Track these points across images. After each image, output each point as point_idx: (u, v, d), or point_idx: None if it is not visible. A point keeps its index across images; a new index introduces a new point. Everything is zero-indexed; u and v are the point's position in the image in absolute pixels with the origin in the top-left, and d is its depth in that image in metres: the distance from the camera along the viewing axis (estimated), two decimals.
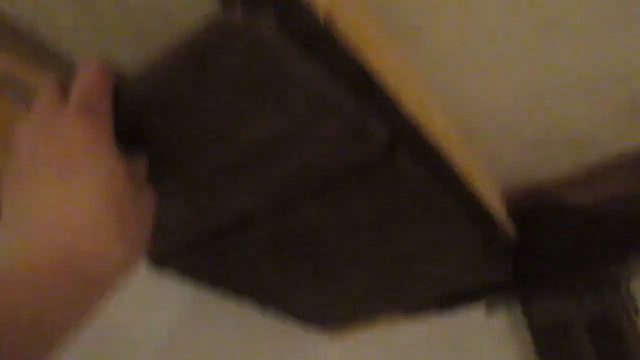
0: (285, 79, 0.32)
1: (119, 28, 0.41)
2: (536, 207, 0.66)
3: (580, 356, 0.59)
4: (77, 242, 0.29)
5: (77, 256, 0.28)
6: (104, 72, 0.33)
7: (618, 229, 0.61)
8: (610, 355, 0.59)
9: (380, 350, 0.73)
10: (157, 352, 0.52)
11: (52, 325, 0.27)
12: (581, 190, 0.64)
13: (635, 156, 0.61)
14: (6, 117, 0.40)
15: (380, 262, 0.57)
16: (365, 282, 0.62)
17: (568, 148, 0.62)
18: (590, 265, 0.62)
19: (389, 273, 0.60)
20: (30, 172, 0.30)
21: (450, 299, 0.69)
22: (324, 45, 0.32)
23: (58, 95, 0.33)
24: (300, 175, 0.41)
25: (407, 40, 0.47)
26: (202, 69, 0.31)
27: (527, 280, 0.64)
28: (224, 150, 0.38)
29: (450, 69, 0.51)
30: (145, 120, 0.35)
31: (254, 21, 0.29)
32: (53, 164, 0.30)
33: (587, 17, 0.46)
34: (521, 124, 0.58)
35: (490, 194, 0.61)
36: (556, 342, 0.60)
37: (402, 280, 0.62)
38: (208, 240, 0.49)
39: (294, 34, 0.31)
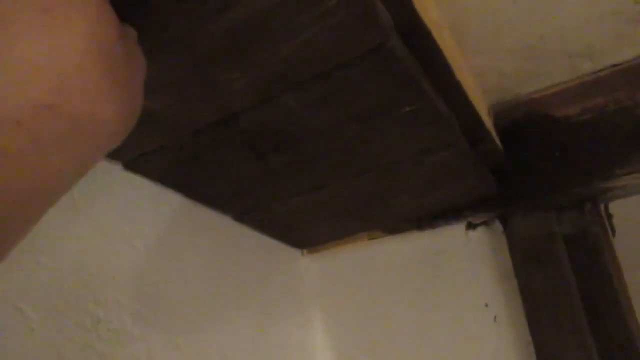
0: None
1: None
2: (524, 121, 0.64)
3: (557, 269, 0.59)
4: (64, 98, 0.25)
5: (64, 114, 0.25)
6: None
7: (605, 143, 0.60)
8: (585, 268, 0.59)
9: (359, 266, 0.73)
10: (132, 257, 0.50)
11: (34, 188, 0.25)
12: (571, 103, 0.62)
13: (629, 67, 0.59)
14: None
15: (360, 170, 0.55)
16: (345, 195, 0.59)
17: (562, 59, 0.59)
18: (574, 181, 0.61)
19: (369, 183, 0.57)
20: (9, 14, 0.26)
21: (430, 217, 0.68)
22: None
23: None
24: (297, 61, 0.38)
25: None
26: None
27: (509, 196, 0.63)
28: (219, 26, 0.34)
29: None
30: None
31: None
32: (36, 4, 0.26)
33: None
34: (516, 26, 0.55)
35: (479, 104, 0.59)
36: (534, 255, 0.60)
37: (382, 193, 0.60)
38: (185, 142, 0.46)
39: None
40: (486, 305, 0.63)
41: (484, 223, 0.66)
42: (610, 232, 0.66)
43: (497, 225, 0.65)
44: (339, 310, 0.72)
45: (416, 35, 0.40)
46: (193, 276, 0.56)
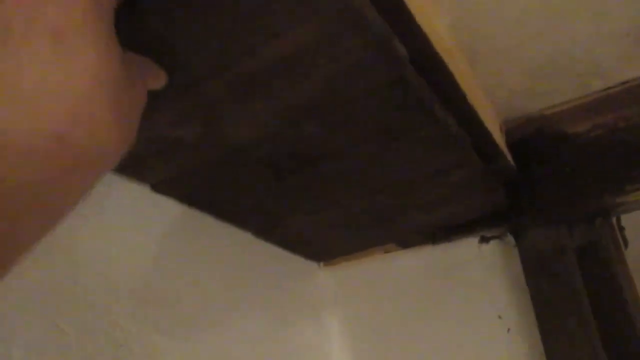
0: None
1: None
2: (535, 137, 0.65)
3: (568, 281, 0.61)
4: (72, 119, 0.27)
5: (71, 136, 0.27)
6: None
7: (615, 159, 0.61)
8: (596, 280, 0.61)
9: (374, 278, 0.74)
10: (158, 273, 0.52)
11: (40, 211, 0.26)
12: (581, 120, 0.63)
13: (638, 85, 0.60)
14: None
15: (376, 188, 0.57)
16: (361, 210, 0.62)
17: (571, 77, 0.61)
18: (585, 195, 0.62)
19: (385, 200, 0.59)
20: (21, 35, 0.27)
21: (443, 231, 0.69)
22: None
23: None
24: (317, 94, 0.40)
25: None
26: None
27: (521, 210, 0.65)
28: (244, 65, 0.36)
29: None
30: (157, 23, 0.33)
31: None
32: (46, 31, 0.27)
33: None
34: (526, 47, 0.57)
35: (491, 122, 0.61)
36: (546, 267, 0.61)
37: (397, 209, 0.62)
38: (209, 166, 0.48)
39: None
40: (500, 317, 0.65)
41: (497, 236, 0.68)
42: (622, 244, 0.67)
43: (510, 239, 0.67)
44: (355, 321, 0.74)
45: (430, 65, 0.42)
46: (215, 290, 0.59)
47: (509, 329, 0.64)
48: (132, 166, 0.48)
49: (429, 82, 0.43)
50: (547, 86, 0.63)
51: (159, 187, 0.52)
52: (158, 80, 0.35)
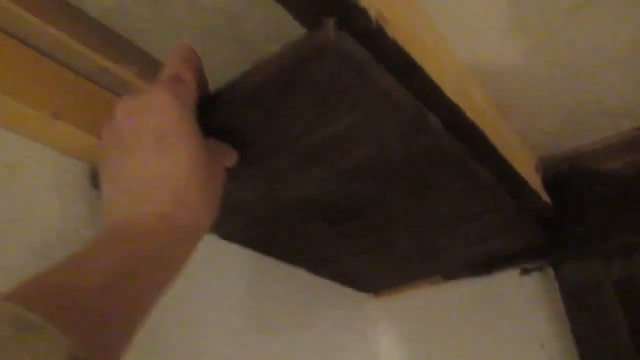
0: (364, 85, 0.37)
1: (190, 25, 0.46)
2: (569, 174, 0.69)
3: (608, 314, 0.64)
4: (176, 202, 0.34)
5: (176, 216, 0.34)
6: (191, 51, 0.39)
7: None
8: (636, 313, 0.63)
9: (421, 309, 0.79)
10: (228, 310, 0.59)
11: (148, 285, 0.32)
12: (613, 158, 0.67)
13: None
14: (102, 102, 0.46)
15: (422, 230, 0.62)
16: (408, 249, 0.67)
17: (603, 118, 0.65)
18: (621, 230, 0.66)
19: (428, 239, 0.65)
20: (132, 141, 0.35)
21: (485, 264, 0.74)
22: (377, 43, 0.37)
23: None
24: (365, 163, 0.47)
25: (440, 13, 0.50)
26: (292, 80, 0.36)
27: (559, 244, 0.68)
28: (301, 144, 0.43)
29: (486, 39, 0.53)
30: (232, 115, 0.40)
31: (344, 38, 0.34)
32: (150, 136, 0.34)
33: None
34: (556, 95, 0.61)
35: (525, 163, 0.65)
36: (586, 301, 0.65)
37: (440, 246, 0.68)
38: (270, 217, 0.55)
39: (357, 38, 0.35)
40: (542, 346, 0.68)
41: (537, 268, 0.72)
42: None
43: (550, 271, 0.70)
44: (403, 349, 0.79)
45: (463, 129, 0.48)
46: (275, 321, 0.65)
47: (551, 358, 0.67)
48: None
49: (462, 141, 0.49)
50: (579, 127, 0.67)
51: (225, 236, 0.60)
52: (231, 159, 0.42)
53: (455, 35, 0.51)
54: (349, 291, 0.79)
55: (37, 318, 0.22)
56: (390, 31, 0.37)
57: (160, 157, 0.35)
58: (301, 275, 0.70)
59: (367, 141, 0.44)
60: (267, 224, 0.57)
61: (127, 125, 0.35)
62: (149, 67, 0.48)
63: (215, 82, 0.40)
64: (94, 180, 0.45)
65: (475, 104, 0.52)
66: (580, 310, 0.64)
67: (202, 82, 0.39)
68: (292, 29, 0.36)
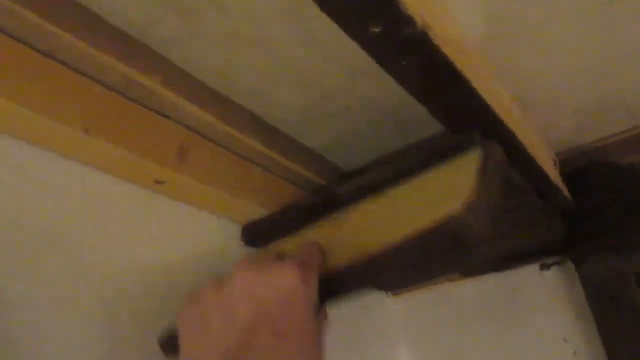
0: None
1: (215, 33, 0.45)
2: (589, 169, 0.69)
3: (629, 306, 0.64)
4: None
5: None
6: (319, 248, 0.40)
7: None
8: None
9: (439, 306, 0.79)
10: None
11: None
12: (633, 152, 0.67)
13: None
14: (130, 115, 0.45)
15: None
16: (428, 250, 0.67)
17: (622, 113, 0.65)
18: None
19: None
20: (246, 326, 0.31)
21: (505, 260, 0.74)
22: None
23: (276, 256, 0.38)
24: None
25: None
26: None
27: (580, 239, 0.69)
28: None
29: (508, 39, 0.53)
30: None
31: None
32: (270, 330, 0.31)
33: None
34: (577, 93, 0.61)
35: (546, 158, 0.65)
36: (608, 294, 0.65)
37: None
38: None
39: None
40: (565, 340, 0.69)
41: (557, 263, 0.72)
42: None
43: (570, 265, 0.71)
44: (422, 347, 0.79)
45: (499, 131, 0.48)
46: None
47: (575, 352, 0.68)
48: None
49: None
50: (598, 121, 0.67)
51: None
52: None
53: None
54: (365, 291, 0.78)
55: None
56: (435, 38, 0.36)
57: (278, 352, 0.31)
58: None
59: None
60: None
61: (245, 301, 0.32)
62: (173, 76, 0.47)
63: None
64: (167, 346, 0.42)
65: (502, 101, 0.51)
66: (604, 304, 0.65)
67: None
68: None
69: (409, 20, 0.34)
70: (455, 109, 0.45)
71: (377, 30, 0.34)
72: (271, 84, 0.52)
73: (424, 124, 0.57)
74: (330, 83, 0.53)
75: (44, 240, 0.39)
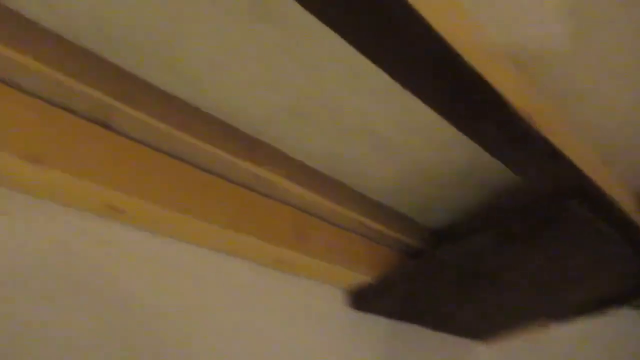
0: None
1: (328, 128, 0.51)
2: None
3: None
4: None
5: None
6: None
7: None
8: None
9: (531, 351, 0.81)
10: None
11: None
12: None
13: None
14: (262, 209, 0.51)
15: (542, 284, 0.65)
16: (525, 301, 0.70)
17: None
18: None
19: (544, 292, 0.68)
20: None
21: (598, 305, 0.75)
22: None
23: None
24: None
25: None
26: None
27: None
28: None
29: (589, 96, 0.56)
30: None
31: None
32: None
33: None
34: None
35: (630, 204, 0.68)
36: None
37: (556, 295, 0.70)
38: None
39: None
40: None
41: None
42: None
43: None
44: None
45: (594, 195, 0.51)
46: None
47: None
48: None
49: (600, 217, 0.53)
50: None
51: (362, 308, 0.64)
52: None
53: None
54: (461, 341, 0.81)
55: None
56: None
57: None
58: (424, 333, 0.74)
59: None
60: (406, 294, 0.61)
61: None
62: (295, 170, 0.53)
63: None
64: None
65: (589, 159, 0.55)
66: None
67: None
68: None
69: (520, 121, 0.39)
70: (551, 177, 0.49)
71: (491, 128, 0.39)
72: (371, 164, 0.58)
73: (501, 180, 0.61)
74: (421, 155, 0.58)
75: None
